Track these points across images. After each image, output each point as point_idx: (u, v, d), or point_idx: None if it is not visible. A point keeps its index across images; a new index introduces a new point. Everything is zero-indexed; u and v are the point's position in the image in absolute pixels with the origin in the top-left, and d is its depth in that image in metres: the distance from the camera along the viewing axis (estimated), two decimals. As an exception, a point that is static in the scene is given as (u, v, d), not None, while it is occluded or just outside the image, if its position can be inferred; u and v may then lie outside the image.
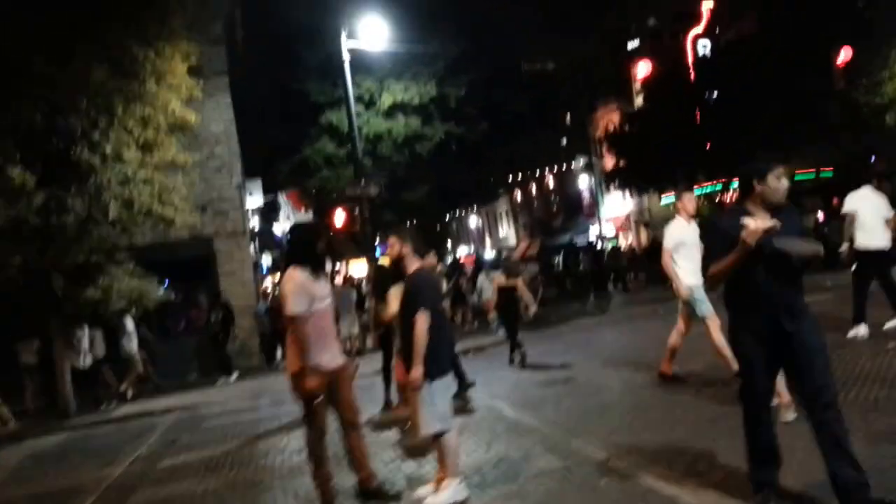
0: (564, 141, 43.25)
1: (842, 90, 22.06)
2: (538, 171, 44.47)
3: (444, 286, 15.64)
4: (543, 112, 31.88)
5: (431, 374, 5.15)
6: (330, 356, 5.39)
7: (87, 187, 12.82)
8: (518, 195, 51.31)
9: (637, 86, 32.27)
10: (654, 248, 29.72)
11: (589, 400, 8.10)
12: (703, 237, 5.81)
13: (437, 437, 5.26)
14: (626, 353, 11.14)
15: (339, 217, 21.03)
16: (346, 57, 16.04)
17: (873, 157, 20.28)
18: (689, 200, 8.00)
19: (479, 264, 23.06)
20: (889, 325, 8.75)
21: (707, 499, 4.52)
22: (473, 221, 58.84)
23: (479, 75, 25.09)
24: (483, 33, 27.22)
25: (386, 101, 23.86)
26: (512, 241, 50.50)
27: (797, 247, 3.93)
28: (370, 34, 17.03)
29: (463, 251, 55.08)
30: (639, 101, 31.28)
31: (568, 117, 42.25)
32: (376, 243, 18.43)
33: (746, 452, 4.26)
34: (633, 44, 36.48)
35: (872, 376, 6.82)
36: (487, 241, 56.53)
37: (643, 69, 31.97)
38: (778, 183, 4.01)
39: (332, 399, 5.43)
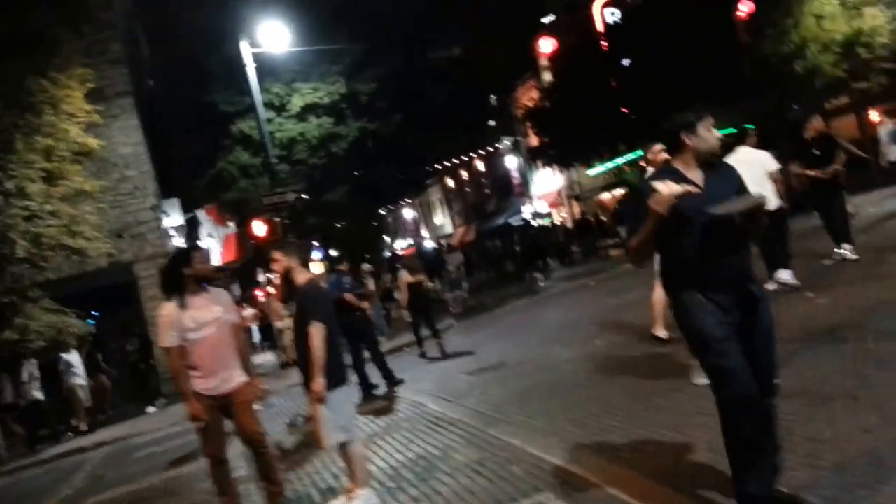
0: (493, 123, 43.44)
1: (748, 43, 22.44)
2: (467, 156, 44.52)
3: (373, 286, 15.60)
4: (461, 98, 31.89)
5: (329, 384, 5.12)
6: (219, 382, 5.33)
7: (-11, 228, 12.40)
8: (449, 182, 51.39)
9: (543, 62, 32.44)
10: (586, 221, 30.18)
11: (515, 384, 8.16)
12: (626, 207, 5.67)
13: (344, 447, 5.24)
14: (557, 332, 11.29)
15: (260, 228, 20.56)
16: (250, 63, 15.74)
17: (794, 107, 20.80)
18: (660, 152, 8.00)
19: (421, 255, 23.11)
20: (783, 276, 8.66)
21: (625, 484, 4.45)
22: (408, 213, 58.80)
23: (387, 69, 25.01)
24: (387, 26, 27.15)
25: (296, 103, 23.57)
26: (448, 228, 50.71)
27: (735, 205, 3.42)
28: (272, 38, 16.74)
29: (402, 244, 55.03)
30: (547, 76, 31.45)
31: (493, 99, 42.41)
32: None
33: (731, 458, 3.47)
34: (548, 18, 36.61)
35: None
36: (424, 231, 56.54)
37: (547, 45, 32.13)
38: (709, 134, 3.53)
39: (235, 423, 5.40)
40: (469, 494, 4.99)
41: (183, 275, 5.34)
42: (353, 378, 10.36)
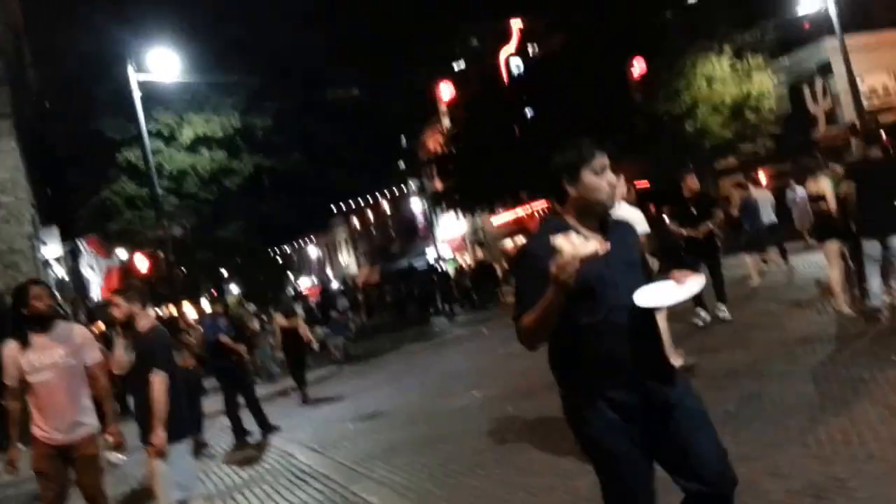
0: (402, 165, 43.54)
1: (641, 102, 23.29)
2: (373, 197, 44.41)
3: (257, 326, 15.08)
4: (362, 138, 31.87)
5: (169, 438, 4.75)
6: (59, 429, 4.86)
7: None
8: (355, 222, 51.08)
9: (443, 108, 32.92)
10: (487, 267, 30.32)
11: (387, 436, 7.88)
12: (513, 271, 3.68)
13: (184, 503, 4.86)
14: (440, 381, 11.10)
15: (142, 262, 19.77)
16: (136, 89, 15.12)
17: (690, 165, 21.61)
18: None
19: (326, 294, 22.55)
20: None
21: None
22: (313, 252, 57.99)
23: (285, 105, 24.62)
24: (285, 62, 26.86)
25: (187, 134, 22.74)
26: (353, 268, 50.21)
27: (671, 296, 2.62)
28: (161, 66, 16.18)
29: (305, 283, 54.05)
30: (446, 122, 31.88)
31: (403, 140, 42.59)
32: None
33: None
34: (458, 65, 37.19)
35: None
36: (329, 270, 55.78)
37: (446, 92, 32.61)
38: (599, 179, 2.65)
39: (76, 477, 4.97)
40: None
41: (21, 314, 4.90)
42: (225, 423, 9.90)
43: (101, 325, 22.55)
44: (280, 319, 11.87)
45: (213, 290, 26.15)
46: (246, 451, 8.94)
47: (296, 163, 24.79)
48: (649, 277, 2.77)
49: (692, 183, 9.56)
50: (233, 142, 23.25)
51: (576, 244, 2.35)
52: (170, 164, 21.91)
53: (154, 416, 4.73)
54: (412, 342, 18.64)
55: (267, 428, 9.63)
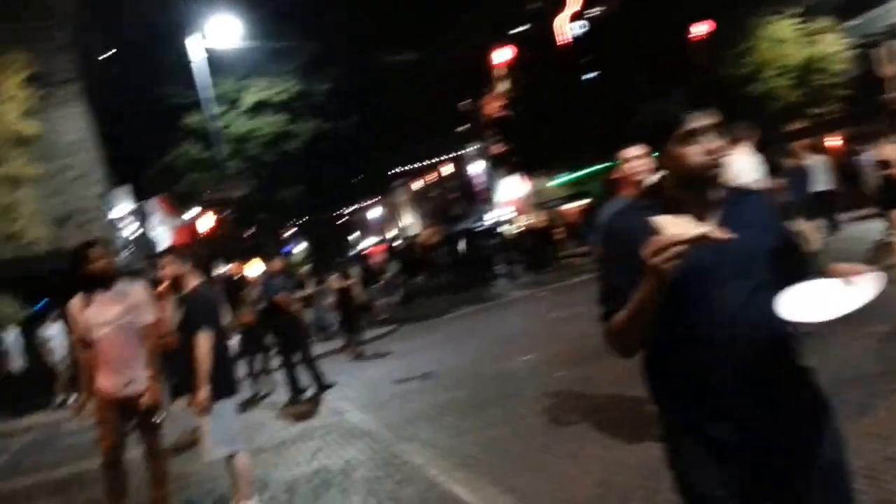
0: (465, 127, 43.24)
1: (703, 64, 22.51)
2: (433, 160, 44.24)
3: (311, 287, 15.34)
4: (418, 102, 31.49)
5: (215, 395, 4.83)
6: (119, 383, 5.02)
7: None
8: (416, 185, 51.09)
9: (499, 71, 32.36)
10: (544, 230, 30.04)
11: (435, 397, 7.91)
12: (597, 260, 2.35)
13: (229, 459, 4.96)
14: (492, 344, 11.08)
15: (208, 221, 20.20)
16: (201, 58, 15.30)
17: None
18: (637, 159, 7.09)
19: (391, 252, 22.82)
20: None
21: None
22: (375, 213, 58.31)
23: (344, 70, 24.57)
24: (343, 27, 26.65)
25: (248, 99, 23.01)
26: (415, 229, 50.33)
27: (839, 304, 1.92)
28: (224, 33, 16.33)
29: (367, 243, 54.57)
30: (504, 85, 31.37)
31: (465, 103, 42.23)
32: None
33: None
34: (517, 27, 36.48)
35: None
36: (391, 231, 56.10)
37: (503, 54, 32.04)
38: (695, 145, 1.97)
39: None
40: (354, 517, 4.74)
41: (83, 273, 5.06)
42: (279, 378, 10.11)
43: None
44: (334, 280, 12.08)
45: (277, 250, 26.73)
46: (300, 407, 9.11)
47: (353, 126, 24.84)
48: (796, 271, 2.03)
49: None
50: (293, 106, 23.42)
51: (681, 224, 1.78)
52: (233, 127, 22.25)
53: (198, 373, 4.80)
54: (469, 304, 18.65)
55: (321, 385, 9.78)
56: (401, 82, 29.91)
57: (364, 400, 8.58)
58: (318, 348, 14.18)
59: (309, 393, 9.76)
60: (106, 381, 5.01)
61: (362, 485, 5.33)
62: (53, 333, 13.82)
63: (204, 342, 4.82)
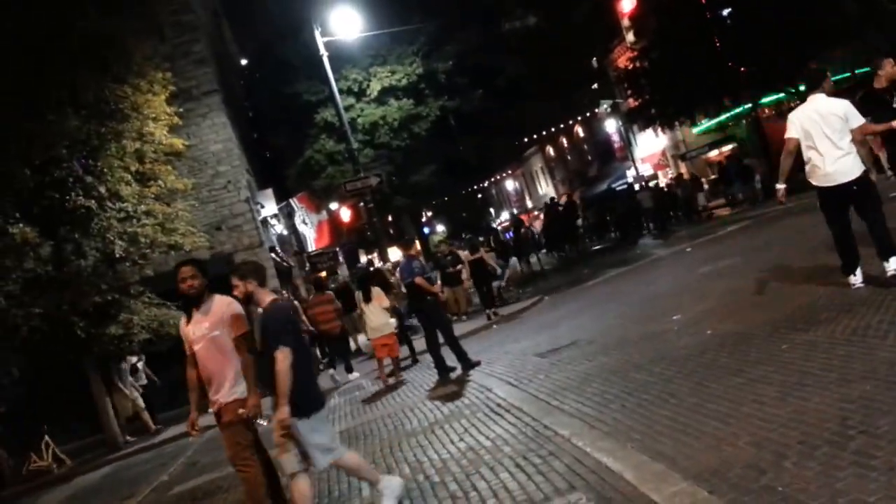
0: (595, 86, 42.18)
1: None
2: (566, 123, 43.34)
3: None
4: (544, 67, 30.87)
5: (306, 411, 4.86)
6: (213, 394, 5.39)
7: (90, 231, 13.09)
8: (550, 150, 50.39)
9: (626, 21, 31.07)
10: (690, 181, 28.78)
11: (580, 367, 7.82)
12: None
13: (337, 464, 5.17)
14: (636, 307, 10.80)
15: (345, 213, 20.92)
16: (323, 50, 15.82)
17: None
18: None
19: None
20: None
21: (659, 484, 4.08)
22: (511, 185, 58.13)
23: (464, 45, 24.53)
24: (459, 2, 26.49)
25: (374, 87, 23.54)
26: (551, 195, 49.80)
27: None
28: (344, 24, 16.79)
29: (505, 216, 54.64)
30: (630, 36, 30.12)
31: (593, 62, 41.16)
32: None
33: None
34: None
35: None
36: (528, 201, 55.80)
37: (628, 3, 30.71)
38: None
39: None
40: (504, 492, 4.79)
41: (180, 289, 5.45)
42: (430, 360, 10.34)
43: (323, 273, 24.38)
44: (466, 255, 12.36)
45: (418, 233, 27.30)
46: (448, 387, 9.30)
47: (479, 100, 24.86)
48: None
49: (887, 71, 7.30)
50: (417, 88, 23.79)
51: None
52: (362, 117, 22.90)
53: (277, 391, 4.75)
54: (614, 267, 18.32)
55: (467, 363, 9.93)
56: (525, 49, 29.55)
57: (509, 375, 8.61)
58: (462, 327, 14.52)
59: (456, 373, 9.96)
60: (208, 393, 5.41)
61: (512, 459, 5.38)
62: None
63: (283, 360, 4.75)
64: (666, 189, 29.96)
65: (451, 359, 10.10)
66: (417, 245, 26.42)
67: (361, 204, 16.43)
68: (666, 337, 7.83)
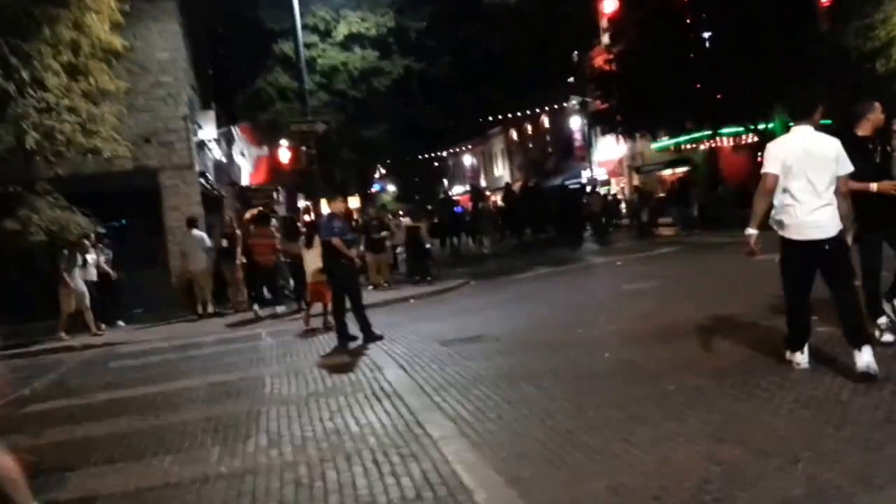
0: (571, 80, 41.97)
1: (828, 32, 20.92)
2: (532, 110, 43.13)
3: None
4: (518, 49, 30.41)
5: None
6: None
7: (5, 116, 12.31)
8: (514, 134, 50.18)
9: (604, 23, 30.89)
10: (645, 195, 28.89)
11: (476, 364, 7.63)
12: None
13: None
14: (552, 311, 10.83)
15: (285, 154, 20.35)
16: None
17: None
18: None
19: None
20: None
21: None
22: (468, 160, 57.84)
23: (441, 8, 23.96)
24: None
25: (341, 31, 22.83)
26: (506, 180, 49.71)
27: None
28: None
29: (457, 190, 54.36)
30: (606, 39, 29.99)
31: (574, 55, 40.91)
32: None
33: None
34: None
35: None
36: (482, 180, 55.61)
37: (609, 5, 30.48)
38: None
39: None
40: (350, 488, 4.56)
41: None
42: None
43: (254, 211, 23.73)
44: (407, 220, 12.31)
45: (361, 189, 26.69)
46: (341, 357, 9.09)
47: (446, 68, 24.38)
48: None
49: (876, 117, 6.33)
50: (385, 42, 23.16)
51: None
52: (322, 59, 22.20)
53: None
54: (546, 265, 18.25)
55: (369, 335, 9.69)
56: (502, 27, 29.00)
57: (406, 358, 8.39)
58: (379, 296, 14.27)
59: (356, 343, 9.71)
60: None
61: (370, 453, 5.15)
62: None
63: None
64: (613, 198, 30.07)
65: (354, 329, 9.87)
66: (353, 202, 25.94)
67: (304, 148, 15.78)
68: (566, 350, 7.74)
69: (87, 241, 13.67)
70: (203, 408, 7.18)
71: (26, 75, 12.05)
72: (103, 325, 14.07)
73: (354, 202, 30.90)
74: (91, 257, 14.05)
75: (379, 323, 10.38)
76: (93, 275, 14.07)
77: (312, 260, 10.87)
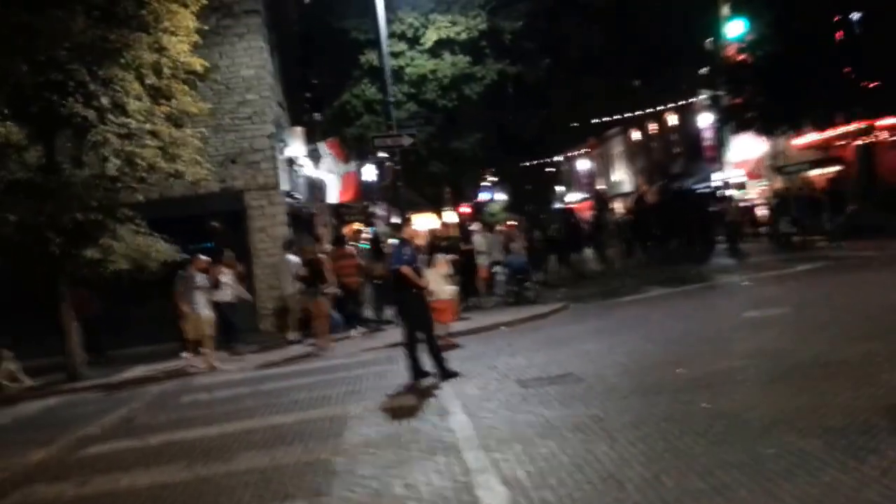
0: (704, 71, 40.24)
1: None
2: (657, 108, 41.59)
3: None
4: (631, 42, 28.98)
5: None
6: None
7: (84, 143, 12.89)
8: (635, 135, 48.53)
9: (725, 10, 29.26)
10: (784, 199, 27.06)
11: (552, 410, 7.20)
12: None
13: None
14: (652, 345, 10.09)
15: (371, 171, 20.32)
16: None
17: None
18: None
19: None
20: None
21: None
22: (583, 165, 56.02)
23: (538, 6, 23.25)
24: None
25: (430, 37, 22.58)
26: (626, 187, 48.24)
27: None
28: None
29: (573, 197, 53.28)
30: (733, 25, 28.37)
31: (708, 43, 39.22)
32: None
33: None
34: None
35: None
36: (600, 186, 54.13)
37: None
38: None
39: None
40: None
41: None
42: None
43: (354, 226, 24.01)
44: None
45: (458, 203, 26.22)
46: (408, 398, 8.82)
47: (545, 71, 23.67)
48: None
49: None
50: (478, 46, 22.78)
51: None
52: (410, 67, 22.13)
53: None
54: (660, 284, 17.39)
55: (443, 372, 9.40)
56: (608, 20, 27.91)
57: (477, 400, 8.04)
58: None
59: (430, 381, 9.44)
60: None
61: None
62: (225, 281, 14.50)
63: None
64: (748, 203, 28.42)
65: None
66: (449, 216, 25.41)
67: (388, 164, 15.74)
68: (657, 396, 7.16)
69: (202, 258, 13.76)
70: (252, 456, 7.07)
71: (107, 101, 12.53)
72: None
73: (450, 216, 30.63)
74: (225, 278, 14.47)
75: (459, 355, 10.11)
76: (227, 296, 14.45)
77: (431, 281, 10.59)
